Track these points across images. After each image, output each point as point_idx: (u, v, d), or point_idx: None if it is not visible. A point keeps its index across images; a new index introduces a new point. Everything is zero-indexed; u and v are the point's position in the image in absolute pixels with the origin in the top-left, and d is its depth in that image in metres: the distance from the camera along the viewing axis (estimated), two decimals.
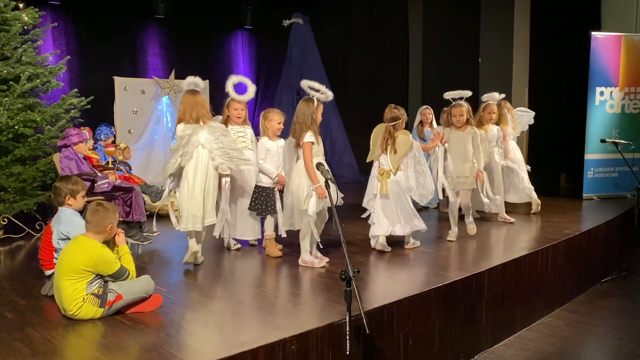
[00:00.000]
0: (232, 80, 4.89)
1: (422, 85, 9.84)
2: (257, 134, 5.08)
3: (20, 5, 6.07)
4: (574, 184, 8.30)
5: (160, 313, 3.34)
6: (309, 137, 4.15)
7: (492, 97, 6.01)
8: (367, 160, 4.86)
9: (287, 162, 4.42)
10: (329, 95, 4.32)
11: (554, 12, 8.57)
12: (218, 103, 10.39)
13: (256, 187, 4.78)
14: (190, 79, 4.50)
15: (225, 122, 4.92)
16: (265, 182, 4.74)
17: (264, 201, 4.72)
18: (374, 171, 4.88)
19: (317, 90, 4.28)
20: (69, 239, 3.53)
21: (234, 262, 4.69)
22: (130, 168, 6.97)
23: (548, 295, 4.91)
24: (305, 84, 4.35)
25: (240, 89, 5.20)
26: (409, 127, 7.01)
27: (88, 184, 4.75)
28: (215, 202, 4.47)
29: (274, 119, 4.77)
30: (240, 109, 4.94)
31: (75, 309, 3.16)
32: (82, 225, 3.45)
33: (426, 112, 6.97)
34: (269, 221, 4.82)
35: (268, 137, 4.77)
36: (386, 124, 4.71)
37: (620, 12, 7.80)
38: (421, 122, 7.00)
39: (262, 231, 4.93)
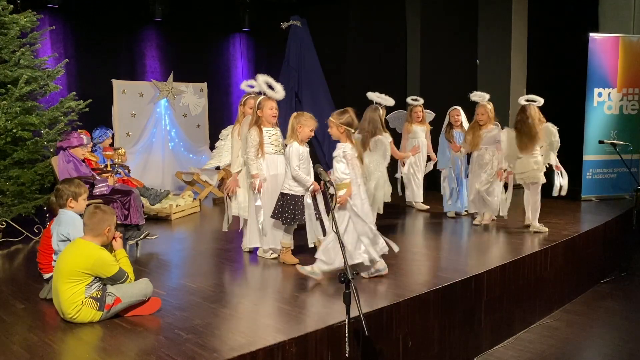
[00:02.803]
0: (263, 78, 4.60)
1: (421, 87, 9.83)
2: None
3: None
4: (572, 185, 8.29)
5: (158, 316, 3.34)
6: (389, 137, 5.00)
7: (483, 97, 5.88)
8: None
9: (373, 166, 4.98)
10: (389, 101, 5.28)
11: (552, 13, 8.58)
12: (217, 104, 10.37)
13: (283, 195, 4.41)
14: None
15: (256, 123, 4.57)
16: (297, 190, 4.38)
17: (293, 209, 4.37)
18: None
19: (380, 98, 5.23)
20: (69, 240, 3.53)
21: (232, 266, 4.68)
22: (129, 171, 6.96)
23: (547, 297, 4.91)
24: (371, 95, 5.25)
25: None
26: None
27: (87, 186, 4.75)
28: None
29: (307, 125, 4.38)
30: (276, 109, 4.63)
31: (74, 313, 3.16)
32: (82, 227, 3.44)
33: (454, 113, 6.52)
34: (284, 229, 4.53)
35: (298, 142, 4.39)
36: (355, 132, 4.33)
37: (618, 13, 7.81)
38: (450, 124, 6.55)
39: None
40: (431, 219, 6.48)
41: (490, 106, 5.86)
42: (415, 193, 7.00)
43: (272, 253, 4.70)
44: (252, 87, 5.11)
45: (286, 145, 4.43)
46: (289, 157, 4.37)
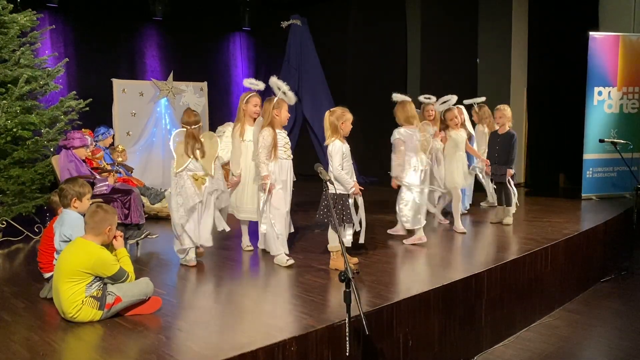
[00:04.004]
0: (277, 81, 4.48)
1: (421, 86, 9.84)
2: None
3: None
4: (572, 183, 8.31)
5: (159, 315, 3.33)
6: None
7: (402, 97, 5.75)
8: (177, 171, 4.32)
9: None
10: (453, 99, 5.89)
11: (552, 13, 8.58)
12: (217, 103, 10.39)
13: (330, 195, 4.16)
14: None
15: (272, 125, 4.40)
16: (342, 189, 4.25)
17: (341, 210, 4.24)
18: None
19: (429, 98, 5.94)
20: (70, 241, 3.53)
21: (233, 264, 4.68)
22: (131, 171, 6.94)
23: (547, 296, 4.91)
24: (421, 98, 5.93)
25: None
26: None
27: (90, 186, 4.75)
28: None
29: (349, 118, 4.28)
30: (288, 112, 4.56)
31: (74, 312, 3.16)
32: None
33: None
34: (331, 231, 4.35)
35: (340, 140, 4.29)
36: (188, 127, 4.37)
37: (618, 12, 7.81)
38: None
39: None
40: (431, 218, 6.48)
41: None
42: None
43: (288, 259, 4.42)
44: (255, 84, 4.98)
45: (326, 146, 4.33)
46: (330, 155, 4.27)
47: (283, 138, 4.48)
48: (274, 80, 4.50)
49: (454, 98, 5.92)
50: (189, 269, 4.47)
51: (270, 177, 4.33)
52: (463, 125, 6.32)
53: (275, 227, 4.37)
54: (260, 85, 5.01)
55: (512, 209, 5.86)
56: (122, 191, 5.15)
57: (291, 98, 4.49)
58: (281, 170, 4.44)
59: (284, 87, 4.47)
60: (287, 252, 4.48)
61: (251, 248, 5.01)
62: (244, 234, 5.07)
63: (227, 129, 5.34)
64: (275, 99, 4.44)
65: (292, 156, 4.57)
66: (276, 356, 2.82)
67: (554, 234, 5.30)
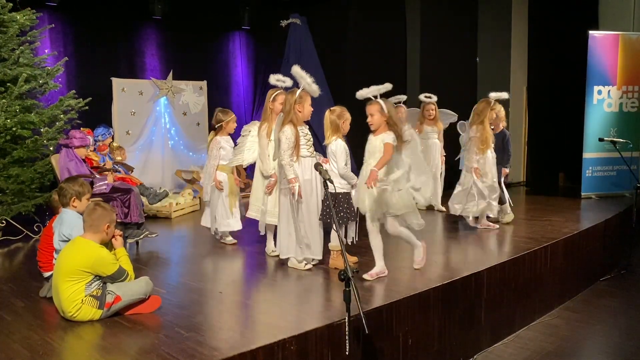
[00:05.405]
0: (300, 70, 4.15)
1: (421, 85, 9.83)
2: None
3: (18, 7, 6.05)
4: (572, 182, 8.30)
5: (159, 314, 3.34)
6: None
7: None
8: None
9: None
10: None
11: (552, 12, 8.57)
12: (216, 103, 10.38)
13: (335, 194, 4.11)
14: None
15: (293, 121, 4.14)
16: (346, 187, 4.23)
17: (346, 208, 4.21)
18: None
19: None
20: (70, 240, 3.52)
21: (233, 264, 4.68)
22: (131, 171, 6.93)
23: (547, 294, 4.91)
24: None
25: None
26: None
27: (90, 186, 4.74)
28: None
29: (348, 118, 4.26)
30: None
31: (74, 311, 3.16)
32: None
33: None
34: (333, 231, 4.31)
35: (341, 138, 4.23)
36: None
37: (618, 11, 7.81)
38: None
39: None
40: (431, 218, 6.47)
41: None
42: (436, 195, 6.65)
43: (306, 264, 4.31)
44: (282, 81, 4.81)
45: (326, 145, 4.25)
46: (335, 154, 4.18)
47: (305, 134, 4.23)
48: (296, 70, 4.16)
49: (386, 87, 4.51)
50: (189, 268, 4.47)
51: (298, 180, 4.11)
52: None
53: (301, 231, 4.19)
54: (288, 82, 4.77)
55: (508, 208, 5.82)
56: (122, 190, 5.15)
57: (315, 90, 4.22)
58: (305, 170, 4.18)
59: (308, 78, 4.15)
60: (316, 258, 4.30)
61: (277, 253, 4.52)
62: (268, 239, 4.82)
63: (252, 127, 5.09)
64: (298, 92, 4.17)
65: (315, 153, 4.33)
66: (276, 355, 2.82)
67: (553, 233, 5.30)
